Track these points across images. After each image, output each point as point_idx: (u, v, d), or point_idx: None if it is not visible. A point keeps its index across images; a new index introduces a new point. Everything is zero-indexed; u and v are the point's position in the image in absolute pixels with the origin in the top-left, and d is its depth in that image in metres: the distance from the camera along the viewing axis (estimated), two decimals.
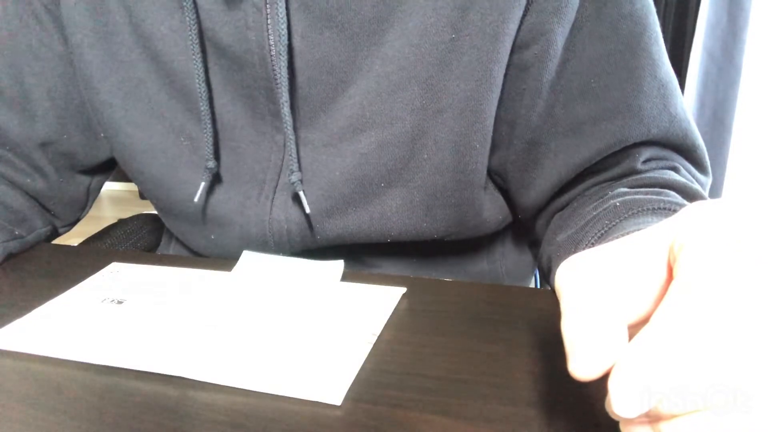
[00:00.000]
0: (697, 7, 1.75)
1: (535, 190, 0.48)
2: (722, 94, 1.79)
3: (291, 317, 0.38)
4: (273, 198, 0.50)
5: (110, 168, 0.61)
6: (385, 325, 0.37)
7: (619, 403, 0.19)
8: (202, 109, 0.48)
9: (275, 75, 0.45)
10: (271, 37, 0.44)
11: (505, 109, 0.47)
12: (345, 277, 0.43)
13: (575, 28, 0.43)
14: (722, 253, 0.20)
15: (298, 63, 0.46)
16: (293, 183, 0.47)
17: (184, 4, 0.45)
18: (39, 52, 0.52)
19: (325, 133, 0.48)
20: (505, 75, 0.45)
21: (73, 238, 0.65)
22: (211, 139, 0.49)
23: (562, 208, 0.48)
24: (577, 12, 0.43)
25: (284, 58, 0.44)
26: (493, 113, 0.46)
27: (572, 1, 0.42)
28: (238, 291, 0.42)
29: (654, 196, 0.39)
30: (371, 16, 0.43)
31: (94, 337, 0.36)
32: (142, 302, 0.41)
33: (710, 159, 0.47)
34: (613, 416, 0.20)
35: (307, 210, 0.47)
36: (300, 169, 0.49)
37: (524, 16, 0.43)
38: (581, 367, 0.21)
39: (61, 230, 0.60)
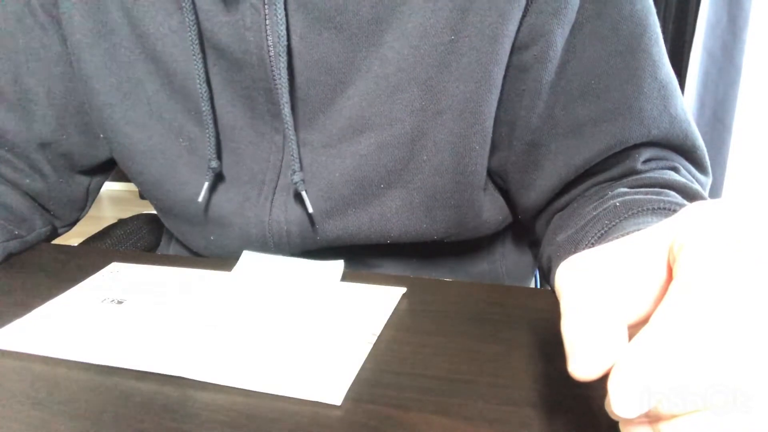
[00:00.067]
0: (697, 7, 1.75)
1: (535, 191, 0.48)
2: (722, 94, 1.79)
3: (291, 317, 0.38)
4: (272, 199, 0.50)
5: (110, 168, 0.61)
6: (385, 325, 0.37)
7: (618, 404, 0.19)
8: (203, 109, 0.48)
9: (274, 76, 0.45)
10: (269, 38, 0.44)
11: (504, 110, 0.47)
12: (345, 277, 0.43)
13: (575, 29, 0.43)
14: (722, 253, 0.20)
15: (297, 64, 0.45)
16: (295, 183, 0.47)
17: (183, 4, 0.45)
18: (38, 53, 0.52)
19: (324, 134, 0.48)
20: (505, 76, 0.45)
21: (73, 238, 0.65)
22: (213, 139, 0.49)
23: (562, 209, 0.48)
24: (578, 13, 0.43)
25: (284, 59, 0.44)
26: (493, 114, 0.46)
27: (572, 2, 0.42)
28: (238, 291, 0.42)
29: (654, 196, 0.39)
30: (370, 17, 0.43)
31: (94, 337, 0.36)
32: (142, 302, 0.41)
33: (710, 159, 0.47)
34: (612, 416, 0.20)
35: (310, 209, 0.47)
36: (302, 168, 0.49)
37: (523, 17, 0.43)
38: (581, 367, 0.21)
39: (60, 230, 0.60)
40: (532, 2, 0.42)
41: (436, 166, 0.47)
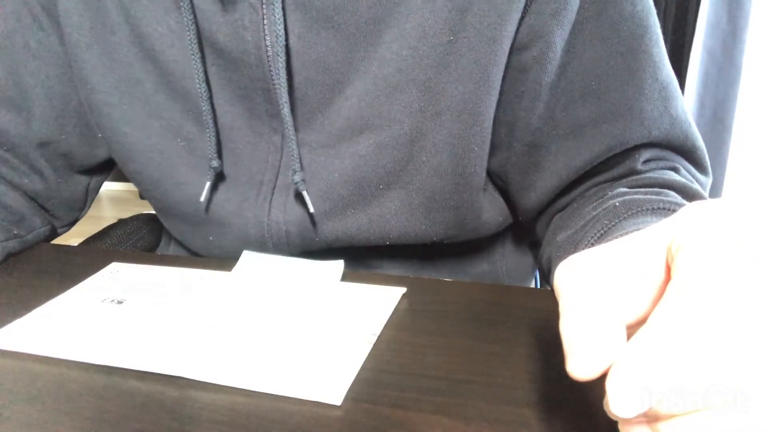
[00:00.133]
0: (697, 7, 1.75)
1: (535, 192, 0.48)
2: (722, 94, 1.79)
3: (291, 317, 0.38)
4: (271, 199, 0.50)
5: (109, 168, 0.61)
6: (385, 325, 0.37)
7: (617, 404, 0.19)
8: (203, 108, 0.48)
9: (272, 76, 0.45)
10: (267, 38, 0.44)
11: (504, 111, 0.47)
12: (345, 277, 0.43)
13: (575, 29, 0.43)
14: (720, 253, 0.20)
15: (295, 64, 0.45)
16: (296, 183, 0.47)
17: (182, 4, 0.44)
18: (37, 52, 0.52)
19: (323, 134, 0.48)
20: (504, 77, 0.45)
21: (73, 238, 0.65)
22: (213, 138, 0.49)
23: (562, 209, 0.48)
24: (578, 14, 0.43)
25: (282, 58, 0.44)
26: (492, 115, 0.46)
27: (572, 2, 0.42)
28: (238, 291, 0.42)
29: (653, 196, 0.39)
30: (368, 16, 0.43)
31: (94, 337, 0.36)
32: (142, 302, 0.41)
33: (710, 159, 0.48)
34: (611, 416, 0.20)
35: (311, 209, 0.47)
36: (302, 168, 0.49)
37: (522, 18, 0.43)
38: (579, 367, 0.21)
39: (60, 230, 0.60)
40: (531, 3, 0.42)
41: (435, 167, 0.47)
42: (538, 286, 0.70)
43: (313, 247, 0.51)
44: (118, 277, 0.45)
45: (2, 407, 0.31)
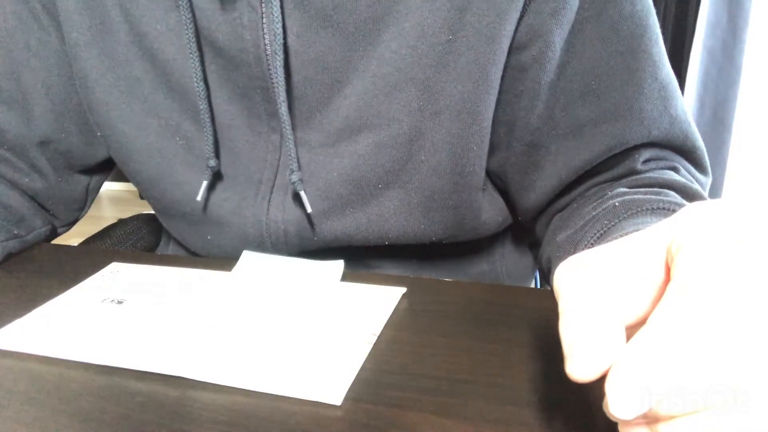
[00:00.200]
0: (697, 6, 1.75)
1: (535, 192, 0.48)
2: (722, 94, 1.79)
3: (291, 317, 0.38)
4: (270, 198, 0.50)
5: (109, 167, 0.61)
6: (385, 325, 0.37)
7: (616, 405, 0.19)
8: (201, 107, 0.48)
9: (271, 75, 0.45)
10: (266, 37, 0.44)
11: (503, 110, 0.47)
12: (345, 277, 0.43)
13: (575, 29, 0.43)
14: (720, 254, 0.20)
15: (294, 62, 0.45)
16: (293, 183, 0.47)
17: (180, 3, 0.44)
18: (37, 51, 0.52)
19: (322, 133, 0.48)
20: (503, 76, 0.45)
21: (73, 238, 0.65)
22: (211, 137, 0.49)
23: (562, 209, 0.48)
24: (577, 13, 0.43)
25: (280, 57, 0.44)
26: (491, 115, 0.46)
27: (571, 2, 0.42)
28: (238, 291, 0.42)
29: (653, 196, 0.39)
30: (367, 15, 0.43)
31: (94, 337, 0.36)
32: (142, 302, 0.41)
33: (710, 159, 0.47)
34: (611, 417, 0.20)
35: (309, 209, 0.47)
36: (300, 168, 0.49)
37: (521, 17, 0.43)
38: (579, 368, 0.21)
39: (60, 230, 0.60)
40: (530, 2, 0.42)
41: (434, 167, 0.47)
42: (538, 286, 0.70)
43: (311, 247, 0.51)
44: (118, 277, 0.45)
45: (2, 407, 0.31)
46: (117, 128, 0.52)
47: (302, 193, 0.47)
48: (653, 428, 0.21)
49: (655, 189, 0.41)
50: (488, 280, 0.59)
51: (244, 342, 0.35)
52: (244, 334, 0.36)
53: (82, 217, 0.62)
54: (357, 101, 0.45)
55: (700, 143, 0.46)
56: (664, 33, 0.45)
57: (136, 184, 0.55)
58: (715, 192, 1.84)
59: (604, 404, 0.20)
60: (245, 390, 0.31)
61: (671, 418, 0.20)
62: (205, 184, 0.50)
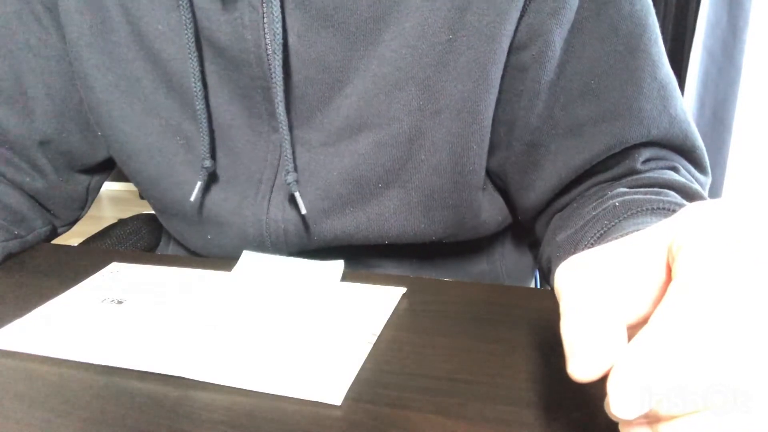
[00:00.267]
0: (697, 6, 1.75)
1: (534, 191, 0.48)
2: (722, 94, 1.79)
3: (291, 317, 0.38)
4: (270, 198, 0.50)
5: (110, 167, 0.61)
6: (385, 325, 0.37)
7: (617, 405, 0.19)
8: (198, 108, 0.48)
9: (272, 74, 0.45)
10: (267, 36, 0.44)
11: (503, 110, 0.47)
12: (345, 277, 0.43)
13: (574, 29, 0.43)
14: (721, 254, 0.20)
15: (294, 62, 0.46)
16: (288, 183, 0.47)
17: (180, 3, 0.44)
18: (38, 51, 0.52)
19: (323, 132, 0.48)
20: (503, 76, 0.45)
21: (73, 238, 0.65)
22: (207, 138, 0.49)
23: (562, 209, 0.48)
24: (577, 13, 0.43)
25: (279, 57, 0.44)
26: (491, 114, 0.46)
27: (571, 1, 0.42)
28: (238, 291, 0.42)
29: (653, 196, 0.39)
30: (368, 15, 0.43)
31: (94, 337, 0.36)
32: (142, 302, 0.41)
33: (710, 159, 0.47)
34: (612, 417, 0.20)
35: (303, 211, 0.47)
36: (296, 169, 0.49)
37: (521, 17, 0.43)
38: (580, 368, 0.21)
39: (60, 230, 0.60)
40: (530, 2, 0.42)
41: (434, 166, 0.47)
42: (538, 286, 0.70)
43: (311, 246, 0.51)
44: (118, 277, 0.45)
45: (2, 407, 0.30)
46: (117, 128, 0.52)
47: (297, 195, 0.47)
48: (654, 428, 0.21)
49: (655, 189, 0.41)
50: (488, 279, 0.59)
51: (244, 342, 0.35)
52: (244, 334, 0.36)
53: (82, 217, 0.62)
54: (357, 101, 0.45)
55: (700, 143, 0.46)
56: (664, 33, 0.45)
57: (137, 183, 0.55)
58: (715, 192, 1.84)
59: (605, 404, 0.20)
60: (245, 390, 0.31)
61: (672, 418, 0.20)
62: (199, 184, 0.50)
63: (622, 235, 0.32)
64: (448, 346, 0.35)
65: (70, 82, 0.53)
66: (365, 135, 0.46)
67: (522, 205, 0.51)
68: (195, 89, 0.47)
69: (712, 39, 1.76)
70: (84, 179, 0.59)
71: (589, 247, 0.32)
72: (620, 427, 0.22)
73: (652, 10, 0.45)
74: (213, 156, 0.50)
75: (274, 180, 0.50)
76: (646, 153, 0.44)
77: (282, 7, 0.43)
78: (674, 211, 0.37)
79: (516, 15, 0.42)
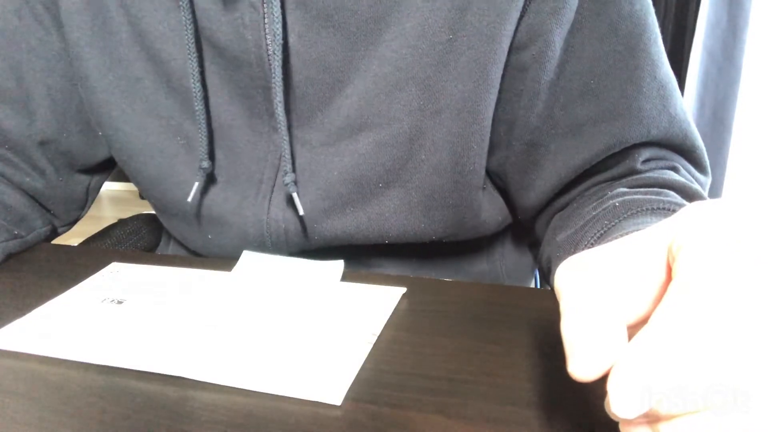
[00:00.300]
0: (697, 6, 1.75)
1: (534, 191, 0.48)
2: (722, 93, 1.79)
3: (291, 317, 0.38)
4: (270, 198, 0.50)
5: (110, 167, 0.61)
6: (385, 325, 0.37)
7: (617, 404, 0.19)
8: (196, 108, 0.48)
9: (272, 74, 0.46)
10: (268, 37, 0.45)
11: (503, 110, 0.47)
12: (345, 277, 0.43)
13: (574, 29, 0.43)
14: (721, 253, 0.20)
15: (295, 62, 0.46)
16: (287, 184, 0.47)
17: (181, 3, 0.45)
18: (38, 51, 0.52)
19: (323, 132, 0.48)
20: (503, 76, 0.45)
21: (73, 238, 0.65)
22: (205, 139, 0.49)
23: (561, 209, 0.48)
24: (576, 13, 0.43)
25: (279, 57, 0.44)
26: (491, 114, 0.46)
27: (570, 1, 0.42)
28: (238, 291, 0.42)
29: (653, 196, 0.39)
30: (368, 15, 0.43)
31: (94, 337, 0.36)
32: (142, 302, 0.41)
33: (710, 159, 0.47)
34: (612, 417, 0.20)
35: (301, 212, 0.47)
36: (294, 170, 0.49)
37: (522, 16, 0.43)
38: (580, 367, 0.21)
39: (60, 230, 0.60)
40: (530, 2, 0.42)
41: (435, 166, 0.47)
42: (538, 286, 0.70)
43: (312, 246, 0.51)
44: (118, 277, 0.45)
45: (2, 407, 0.30)
46: (118, 128, 0.52)
47: (294, 195, 0.47)
48: (654, 428, 0.21)
49: (655, 189, 0.41)
50: (488, 279, 0.59)
51: (244, 342, 0.35)
52: (244, 334, 0.36)
53: (82, 217, 0.62)
54: (358, 101, 0.46)
55: (700, 143, 0.46)
56: (664, 33, 0.45)
57: (137, 184, 0.55)
58: (715, 192, 1.84)
59: (605, 403, 0.20)
60: (245, 390, 0.31)
61: (672, 417, 0.20)
62: (196, 185, 0.50)
63: (622, 235, 0.32)
64: (448, 346, 0.35)
65: (71, 83, 0.54)
66: (366, 135, 0.46)
67: (522, 205, 0.51)
68: (194, 90, 0.47)
69: (712, 39, 1.76)
70: (84, 179, 0.59)
71: (589, 247, 0.32)
72: (620, 427, 0.22)
73: (652, 10, 0.45)
74: (212, 157, 0.51)
75: (275, 180, 0.50)
76: (646, 153, 0.45)
77: (282, 7, 0.43)
78: (674, 211, 0.37)
79: (516, 15, 0.42)
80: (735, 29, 1.72)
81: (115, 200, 3.17)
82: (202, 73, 0.48)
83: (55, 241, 0.57)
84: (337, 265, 0.44)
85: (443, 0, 0.42)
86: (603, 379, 0.21)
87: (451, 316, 0.38)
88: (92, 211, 0.63)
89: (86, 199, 0.61)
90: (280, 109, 0.45)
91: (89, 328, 0.38)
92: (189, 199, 0.50)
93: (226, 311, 0.39)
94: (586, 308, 0.22)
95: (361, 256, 0.54)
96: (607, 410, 0.20)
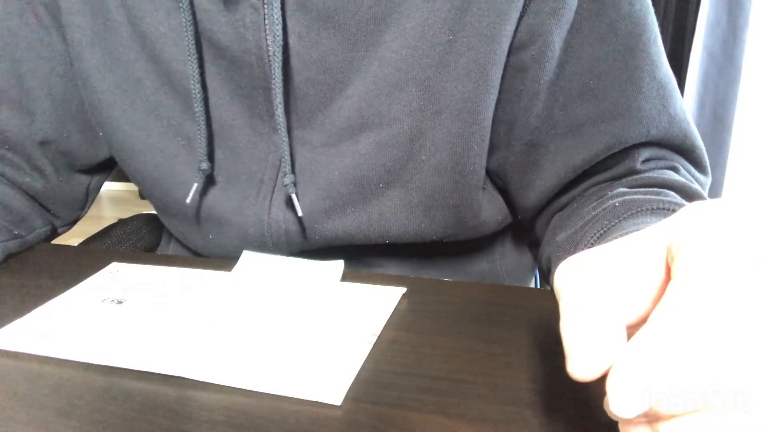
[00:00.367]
0: (697, 6, 1.75)
1: (534, 191, 0.48)
2: (722, 94, 1.79)
3: (291, 317, 0.38)
4: (271, 198, 0.50)
5: (110, 167, 0.61)
6: (385, 325, 0.37)
7: (617, 404, 0.19)
8: (196, 109, 0.48)
9: (272, 75, 0.46)
10: (268, 38, 0.45)
11: (503, 110, 0.47)
12: (345, 277, 0.43)
13: (574, 29, 0.43)
14: (720, 253, 0.20)
15: (295, 63, 0.46)
16: (286, 185, 0.47)
17: (181, 4, 0.45)
18: (39, 51, 0.52)
19: (324, 133, 0.48)
20: (503, 76, 0.45)
21: (73, 238, 0.65)
22: (205, 140, 0.49)
23: (561, 209, 0.48)
24: (576, 13, 0.43)
25: (279, 58, 0.44)
26: (491, 114, 0.46)
27: (570, 2, 0.42)
28: (238, 291, 0.42)
29: (653, 196, 0.39)
30: (368, 16, 0.43)
31: (94, 337, 0.36)
32: (142, 302, 0.41)
33: (710, 159, 0.47)
34: (611, 416, 0.20)
35: (299, 213, 0.48)
36: (294, 171, 0.49)
37: (521, 17, 0.43)
38: (580, 367, 0.21)
39: (60, 230, 0.60)
40: (530, 2, 0.42)
41: (435, 166, 0.47)
42: (538, 286, 0.70)
43: (312, 246, 0.51)
44: (118, 277, 0.45)
45: (2, 407, 0.31)
46: (119, 128, 0.52)
47: (293, 197, 0.47)
48: (653, 427, 0.21)
49: (655, 189, 0.41)
50: (488, 279, 0.59)
51: (244, 342, 0.35)
52: (244, 334, 0.36)
53: (82, 217, 0.62)
54: (358, 101, 0.46)
55: (700, 142, 0.46)
56: (664, 33, 0.45)
57: (138, 183, 0.56)
58: (715, 192, 1.84)
59: (604, 403, 0.20)
60: (245, 390, 0.31)
61: (671, 417, 0.20)
62: (195, 186, 0.50)
63: (621, 235, 0.32)
64: (448, 346, 0.35)
65: (71, 83, 0.54)
66: (366, 135, 0.46)
67: (522, 205, 0.51)
68: (194, 91, 0.47)
69: (712, 39, 1.76)
70: (84, 179, 0.59)
71: (589, 247, 0.33)
72: (620, 427, 0.22)
73: (651, 10, 0.45)
74: (212, 158, 0.51)
75: (276, 180, 0.50)
76: (646, 153, 0.45)
77: (283, 8, 0.43)
78: (674, 211, 0.37)
79: (516, 15, 0.42)
80: (735, 29, 1.72)
81: (115, 200, 3.17)
82: (202, 74, 0.48)
83: (55, 241, 0.57)
84: (337, 265, 0.44)
85: (443, 0, 0.42)
86: (603, 379, 0.21)
87: (451, 316, 0.38)
88: (92, 211, 0.63)
89: (86, 199, 0.61)
90: (280, 110, 0.45)
91: (89, 328, 0.38)
92: (188, 200, 0.50)
93: (226, 311, 0.39)
94: (586, 308, 0.22)
95: (362, 256, 0.54)
96: (606, 410, 0.20)
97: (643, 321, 0.21)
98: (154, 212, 0.66)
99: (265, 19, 0.44)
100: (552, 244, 0.45)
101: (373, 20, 0.43)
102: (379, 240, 0.50)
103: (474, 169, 0.48)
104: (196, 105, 0.47)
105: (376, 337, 0.35)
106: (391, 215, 0.49)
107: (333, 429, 0.28)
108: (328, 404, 0.30)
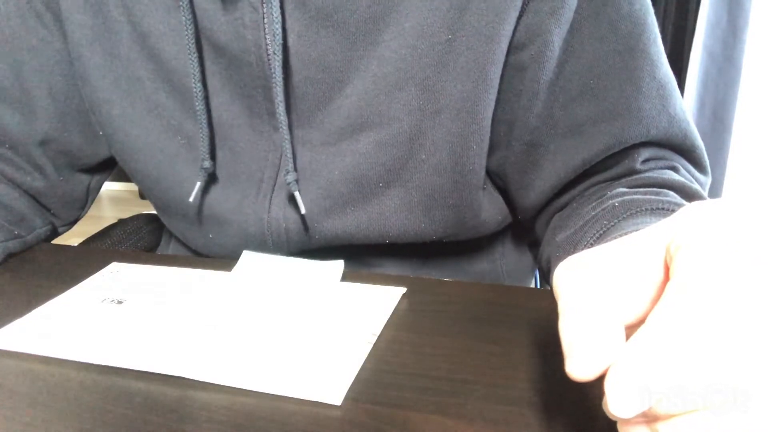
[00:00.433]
0: (697, 6, 1.75)
1: (534, 191, 0.48)
2: (722, 94, 1.79)
3: (291, 317, 0.38)
4: (271, 197, 0.50)
5: (110, 167, 0.61)
6: (385, 325, 0.37)
7: (615, 404, 0.19)
8: (197, 108, 0.48)
9: (272, 74, 0.46)
10: (267, 37, 0.45)
11: (502, 110, 0.47)
12: (345, 277, 0.43)
13: (573, 29, 0.43)
14: (719, 253, 0.20)
15: (294, 62, 0.46)
16: (288, 183, 0.47)
17: (181, 3, 0.45)
18: (39, 50, 0.53)
19: (323, 132, 0.48)
20: (502, 76, 0.45)
21: (73, 238, 0.65)
22: (206, 139, 0.49)
23: (561, 208, 0.48)
24: (575, 13, 0.43)
25: (279, 57, 0.44)
26: (491, 114, 0.46)
27: (570, 1, 0.42)
28: (238, 291, 0.42)
29: (653, 196, 0.39)
30: (367, 15, 0.43)
31: (94, 337, 0.37)
32: (142, 302, 0.41)
33: (710, 159, 0.47)
34: (610, 416, 0.20)
35: (302, 211, 0.48)
36: (296, 169, 0.49)
37: (520, 16, 0.43)
38: (578, 367, 0.21)
39: (60, 229, 0.60)
40: (529, 2, 0.42)
41: (435, 165, 0.47)
42: (538, 286, 0.70)
43: (312, 245, 0.51)
44: (118, 277, 0.45)
45: (2, 407, 0.31)
46: (119, 127, 0.52)
47: (297, 194, 0.47)
48: (652, 427, 0.21)
49: (655, 189, 0.41)
50: (488, 279, 0.59)
51: (244, 342, 0.35)
52: (244, 334, 0.36)
53: (82, 216, 0.62)
54: (358, 100, 0.46)
55: (700, 142, 0.46)
56: (664, 33, 0.45)
57: (138, 182, 0.56)
58: (715, 192, 1.84)
59: (603, 403, 0.20)
60: (245, 390, 0.31)
61: (670, 417, 0.20)
62: (198, 185, 0.50)
63: (621, 235, 0.32)
64: (448, 346, 0.35)
65: (71, 82, 0.54)
66: (366, 135, 0.47)
67: (522, 205, 0.51)
68: (195, 90, 0.47)
69: (712, 39, 1.76)
70: (84, 179, 0.59)
71: (589, 247, 0.33)
72: (619, 426, 0.22)
73: (651, 10, 0.45)
74: (213, 157, 0.51)
75: (276, 179, 0.50)
76: (646, 153, 0.45)
77: (282, 7, 0.43)
78: (673, 211, 0.37)
79: (515, 15, 0.42)
80: (735, 29, 1.72)
81: (115, 200, 3.17)
82: (202, 72, 0.48)
83: (55, 241, 0.57)
84: (337, 265, 0.44)
85: (442, 0, 0.42)
86: (602, 379, 0.21)
87: (451, 316, 0.38)
88: (92, 211, 0.63)
89: (86, 199, 0.61)
90: (280, 109, 0.45)
91: (89, 328, 0.38)
92: (191, 199, 0.50)
93: (226, 311, 0.39)
94: (584, 308, 0.22)
95: (362, 256, 0.54)
96: (605, 410, 0.20)
97: (641, 321, 0.21)
98: (154, 212, 0.66)
99: (264, 18, 0.44)
100: (552, 244, 0.45)
101: (372, 19, 0.43)
102: (379, 239, 0.51)
103: (474, 168, 0.48)
104: (197, 103, 0.48)
105: (376, 337, 0.35)
106: (391, 215, 0.49)
107: (333, 429, 0.28)
108: (328, 404, 0.30)
